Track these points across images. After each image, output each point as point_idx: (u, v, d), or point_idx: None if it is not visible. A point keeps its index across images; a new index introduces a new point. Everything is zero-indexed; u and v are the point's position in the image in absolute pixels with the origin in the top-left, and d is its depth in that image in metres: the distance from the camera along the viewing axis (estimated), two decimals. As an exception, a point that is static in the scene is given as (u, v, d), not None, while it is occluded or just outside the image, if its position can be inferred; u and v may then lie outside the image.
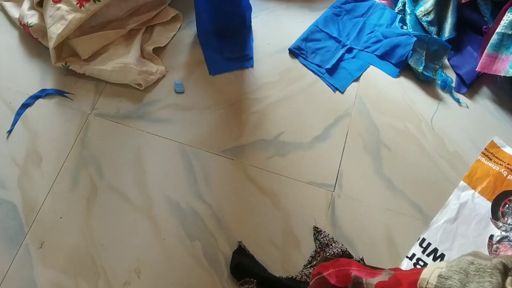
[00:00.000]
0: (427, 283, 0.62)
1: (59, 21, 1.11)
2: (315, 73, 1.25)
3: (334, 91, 1.23)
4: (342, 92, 1.23)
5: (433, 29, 1.29)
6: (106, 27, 1.20)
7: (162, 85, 1.20)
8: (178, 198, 1.06)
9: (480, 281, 0.60)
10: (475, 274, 0.61)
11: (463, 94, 1.27)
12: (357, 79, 1.26)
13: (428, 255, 1.05)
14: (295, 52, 1.28)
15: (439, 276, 0.62)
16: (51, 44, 1.11)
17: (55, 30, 1.11)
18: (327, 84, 1.24)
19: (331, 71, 1.25)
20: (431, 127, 1.20)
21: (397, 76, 1.27)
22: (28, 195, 1.04)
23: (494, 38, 1.19)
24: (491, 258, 0.62)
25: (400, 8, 1.36)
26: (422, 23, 1.30)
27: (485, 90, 1.28)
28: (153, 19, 1.26)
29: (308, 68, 1.26)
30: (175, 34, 1.28)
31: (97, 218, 1.03)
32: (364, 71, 1.27)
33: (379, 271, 0.71)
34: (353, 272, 0.70)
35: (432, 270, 0.64)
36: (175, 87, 1.19)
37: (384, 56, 1.28)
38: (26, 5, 1.20)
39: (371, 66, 1.28)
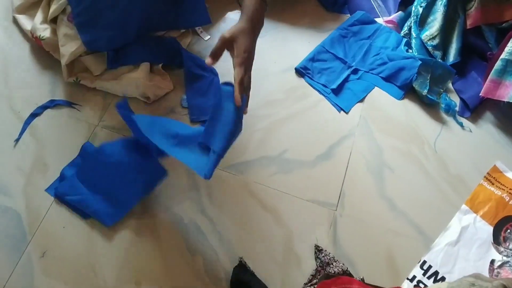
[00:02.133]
0: (428, 303, 0.63)
1: (73, 40, 1.14)
2: (321, 93, 1.27)
3: (339, 111, 1.25)
4: (346, 112, 1.25)
5: (438, 53, 1.31)
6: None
7: (169, 100, 1.22)
8: (181, 212, 1.07)
9: (480, 303, 0.60)
10: (475, 295, 0.61)
11: (466, 118, 1.28)
12: (361, 100, 1.27)
13: (428, 278, 1.05)
14: (302, 71, 1.30)
15: (440, 296, 0.63)
16: (64, 61, 1.13)
17: (69, 48, 1.13)
18: (332, 104, 1.25)
19: (336, 91, 1.27)
20: (434, 150, 1.21)
21: (401, 98, 1.28)
22: (32, 204, 1.05)
23: (498, 64, 1.21)
24: (492, 280, 0.62)
25: (406, 31, 1.38)
26: (427, 47, 1.32)
27: (488, 115, 1.30)
28: (164, 35, 1.28)
29: (314, 88, 1.28)
30: (183, 50, 1.30)
31: (100, 229, 1.03)
32: (369, 92, 1.29)
33: (379, 289, 0.72)
34: (354, 290, 0.71)
35: (433, 290, 0.64)
36: (182, 102, 1.21)
37: (389, 79, 1.29)
38: (38, 18, 1.22)
39: (376, 87, 1.30)
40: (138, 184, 1.05)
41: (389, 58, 1.31)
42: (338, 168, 1.16)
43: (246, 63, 0.88)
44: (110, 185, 1.05)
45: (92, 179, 1.05)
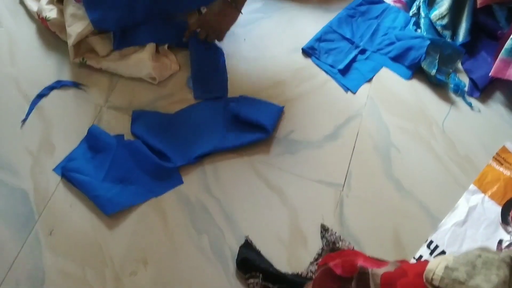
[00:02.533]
0: (434, 274, 0.62)
1: (80, 20, 1.13)
2: (328, 73, 1.26)
3: (346, 91, 1.24)
4: (354, 93, 1.24)
5: (447, 33, 1.29)
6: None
7: (175, 80, 1.21)
8: (188, 192, 1.07)
9: (487, 274, 0.60)
10: (482, 267, 0.61)
11: (475, 98, 1.26)
12: (369, 80, 1.26)
13: (435, 257, 1.04)
14: (309, 52, 1.28)
15: (446, 267, 0.62)
16: (70, 41, 1.13)
17: (76, 28, 1.13)
18: (339, 85, 1.24)
19: (344, 71, 1.26)
20: (442, 130, 1.20)
21: (409, 78, 1.27)
22: (39, 183, 1.06)
23: (508, 43, 1.19)
24: (498, 252, 0.62)
25: (415, 11, 1.36)
26: (436, 27, 1.30)
27: (498, 95, 1.28)
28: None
29: (321, 68, 1.27)
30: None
31: (107, 208, 1.04)
32: (376, 73, 1.27)
33: (385, 262, 0.71)
34: (359, 263, 0.71)
35: (438, 262, 0.64)
36: (188, 82, 1.20)
37: (397, 59, 1.28)
38: (44, -1, 1.22)
39: (383, 68, 1.28)
40: (152, 186, 1.07)
41: (397, 38, 1.29)
42: (345, 149, 1.16)
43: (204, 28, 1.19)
44: (126, 177, 1.07)
45: (111, 167, 1.07)
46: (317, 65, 1.27)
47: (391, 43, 1.30)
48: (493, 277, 0.59)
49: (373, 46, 1.31)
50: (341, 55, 1.29)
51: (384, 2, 1.39)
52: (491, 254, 0.62)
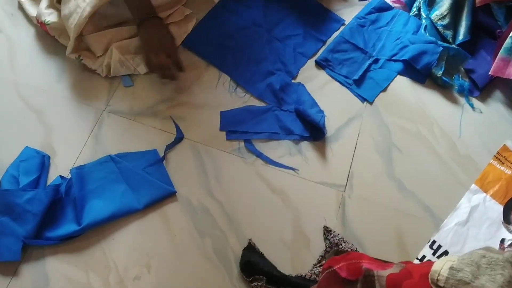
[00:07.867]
0: (439, 275, 0.63)
1: (75, 10, 1.11)
2: (343, 84, 1.25)
3: (363, 102, 1.23)
4: (370, 103, 1.23)
5: (448, 33, 1.29)
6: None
7: (176, 84, 1.20)
8: (189, 195, 1.07)
9: (491, 274, 0.60)
10: (486, 267, 0.61)
11: (475, 97, 1.27)
12: (384, 89, 1.26)
13: (438, 257, 1.04)
14: (322, 64, 1.27)
15: (451, 268, 0.62)
16: (72, 35, 1.11)
17: (72, 20, 1.11)
18: (354, 95, 1.24)
19: (359, 82, 1.26)
20: (443, 130, 1.20)
21: (424, 82, 1.27)
22: (42, 189, 1.05)
23: (507, 42, 1.19)
24: (502, 252, 0.62)
25: (415, 12, 1.36)
26: (437, 27, 1.30)
27: (498, 94, 1.28)
28: (167, 18, 1.27)
29: (335, 80, 1.26)
30: (188, 34, 1.29)
31: (109, 213, 1.03)
32: (391, 81, 1.27)
33: (390, 264, 0.72)
34: (364, 265, 0.71)
35: (443, 263, 0.64)
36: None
37: (411, 61, 1.26)
38: (44, 3, 1.21)
39: (398, 76, 1.29)
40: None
41: (410, 42, 1.28)
42: (347, 150, 1.16)
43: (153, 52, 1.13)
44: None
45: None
46: (331, 76, 1.26)
47: (405, 47, 1.29)
48: (498, 277, 0.59)
49: (386, 54, 1.30)
50: (355, 65, 1.28)
51: (393, 8, 1.38)
52: (495, 254, 0.62)
